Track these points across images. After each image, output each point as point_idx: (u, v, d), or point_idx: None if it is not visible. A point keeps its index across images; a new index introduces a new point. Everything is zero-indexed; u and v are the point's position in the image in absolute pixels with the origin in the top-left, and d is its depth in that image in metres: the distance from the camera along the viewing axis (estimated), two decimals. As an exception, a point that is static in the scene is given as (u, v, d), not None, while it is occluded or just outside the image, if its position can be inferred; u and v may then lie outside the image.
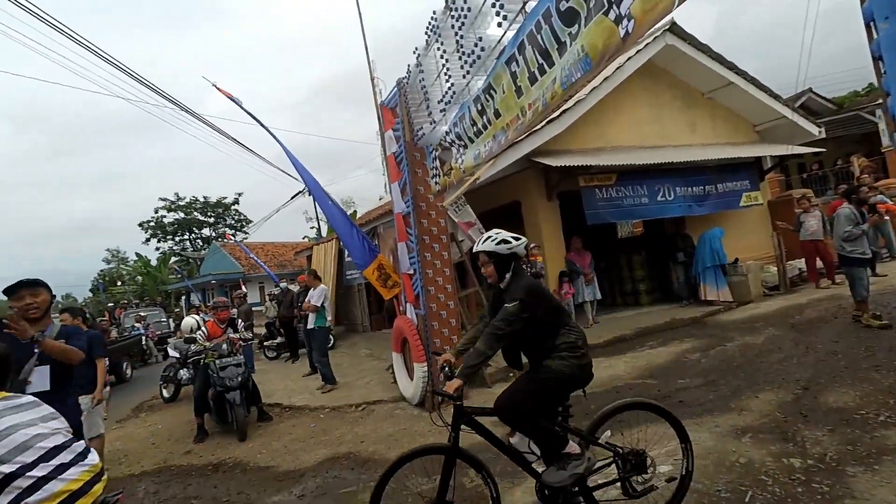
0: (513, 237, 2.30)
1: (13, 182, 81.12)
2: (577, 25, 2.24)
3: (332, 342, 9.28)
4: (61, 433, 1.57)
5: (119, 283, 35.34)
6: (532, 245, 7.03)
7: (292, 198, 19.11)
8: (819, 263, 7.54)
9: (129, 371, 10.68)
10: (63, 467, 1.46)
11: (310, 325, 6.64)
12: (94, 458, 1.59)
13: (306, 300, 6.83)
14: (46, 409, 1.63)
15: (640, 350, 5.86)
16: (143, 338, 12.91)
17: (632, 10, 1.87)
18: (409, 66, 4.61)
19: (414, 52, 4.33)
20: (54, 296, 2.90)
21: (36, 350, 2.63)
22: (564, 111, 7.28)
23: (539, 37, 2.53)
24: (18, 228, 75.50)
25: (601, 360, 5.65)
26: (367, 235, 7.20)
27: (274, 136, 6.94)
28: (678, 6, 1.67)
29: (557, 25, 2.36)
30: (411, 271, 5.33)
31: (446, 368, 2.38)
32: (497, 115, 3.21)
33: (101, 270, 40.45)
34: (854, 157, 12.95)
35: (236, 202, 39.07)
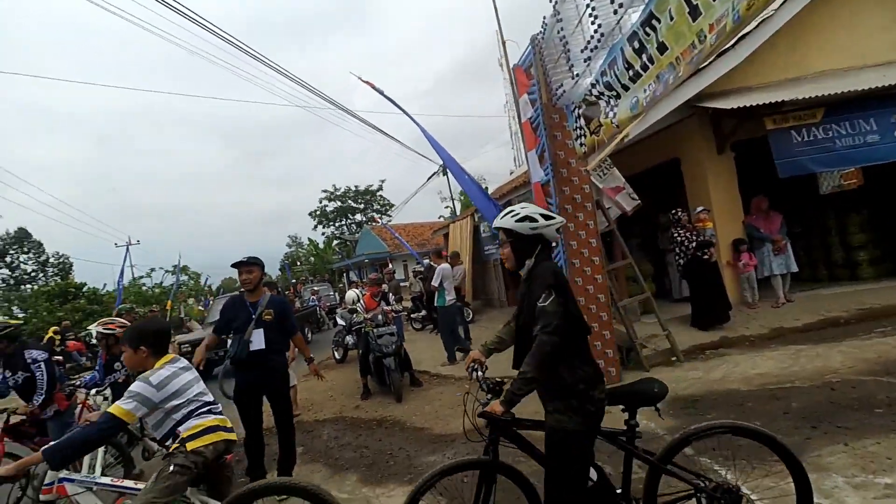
0: (542, 215, 1.81)
1: (223, 183, 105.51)
2: None
3: (470, 316, 9.55)
4: (207, 392, 2.21)
5: (298, 264, 42.89)
6: (699, 209, 5.94)
7: (428, 179, 20.13)
8: None
9: (309, 335, 12.91)
10: (209, 412, 2.13)
11: (435, 304, 6.98)
12: (219, 408, 2.21)
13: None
14: (195, 373, 2.23)
15: (865, 337, 4.47)
16: (317, 308, 15.38)
17: None
18: (544, 18, 4.18)
19: (551, 1, 3.88)
20: (265, 273, 3.56)
21: (254, 317, 3.26)
22: (742, 37, 5.81)
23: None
24: (228, 220, 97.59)
25: (803, 347, 4.50)
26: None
27: (411, 118, 7.24)
28: None
29: None
30: (553, 243, 5.00)
31: (479, 372, 2.01)
32: (662, 49, 2.62)
33: (286, 253, 49.63)
34: None
35: (380, 188, 43.34)
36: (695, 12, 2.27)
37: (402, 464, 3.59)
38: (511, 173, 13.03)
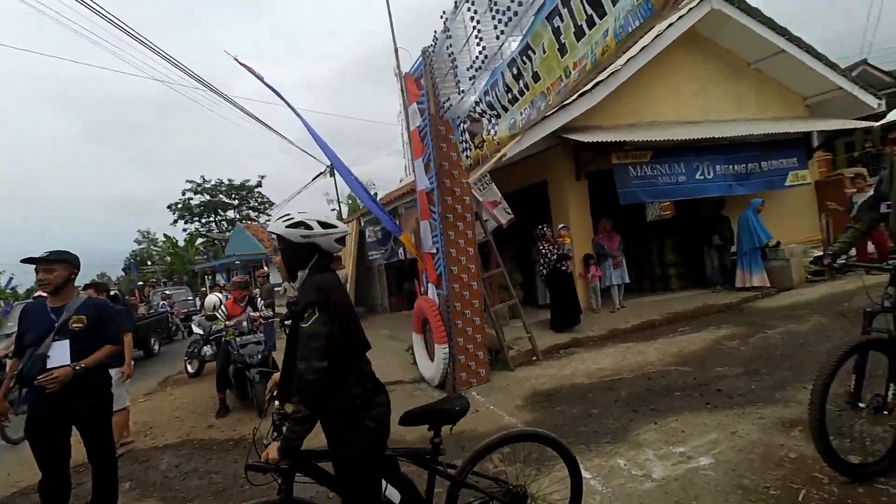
0: (321, 223, 1.67)
1: (58, 162, 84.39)
2: (635, -35, 1.95)
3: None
4: None
5: (149, 263, 36.54)
6: (561, 226, 6.76)
7: (314, 179, 19.14)
8: (870, 248, 7.01)
9: (156, 346, 11.03)
10: None
11: None
12: None
13: None
14: None
15: (672, 336, 5.59)
16: (169, 315, 13.27)
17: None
18: (435, 32, 4.35)
19: (441, 17, 4.05)
20: (77, 270, 2.83)
21: (56, 324, 2.59)
22: (597, 84, 6.86)
23: (588, -17, 2.24)
24: (59, 207, 78.50)
25: (630, 344, 5.43)
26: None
27: (296, 112, 6.79)
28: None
29: (612, -34, 2.08)
30: (434, 250, 5.17)
31: (277, 402, 1.77)
32: (536, 78, 2.94)
33: (133, 251, 41.88)
34: None
35: (259, 185, 39.57)
36: (563, 50, 2.61)
37: (259, 487, 3.26)
38: (401, 181, 13.17)
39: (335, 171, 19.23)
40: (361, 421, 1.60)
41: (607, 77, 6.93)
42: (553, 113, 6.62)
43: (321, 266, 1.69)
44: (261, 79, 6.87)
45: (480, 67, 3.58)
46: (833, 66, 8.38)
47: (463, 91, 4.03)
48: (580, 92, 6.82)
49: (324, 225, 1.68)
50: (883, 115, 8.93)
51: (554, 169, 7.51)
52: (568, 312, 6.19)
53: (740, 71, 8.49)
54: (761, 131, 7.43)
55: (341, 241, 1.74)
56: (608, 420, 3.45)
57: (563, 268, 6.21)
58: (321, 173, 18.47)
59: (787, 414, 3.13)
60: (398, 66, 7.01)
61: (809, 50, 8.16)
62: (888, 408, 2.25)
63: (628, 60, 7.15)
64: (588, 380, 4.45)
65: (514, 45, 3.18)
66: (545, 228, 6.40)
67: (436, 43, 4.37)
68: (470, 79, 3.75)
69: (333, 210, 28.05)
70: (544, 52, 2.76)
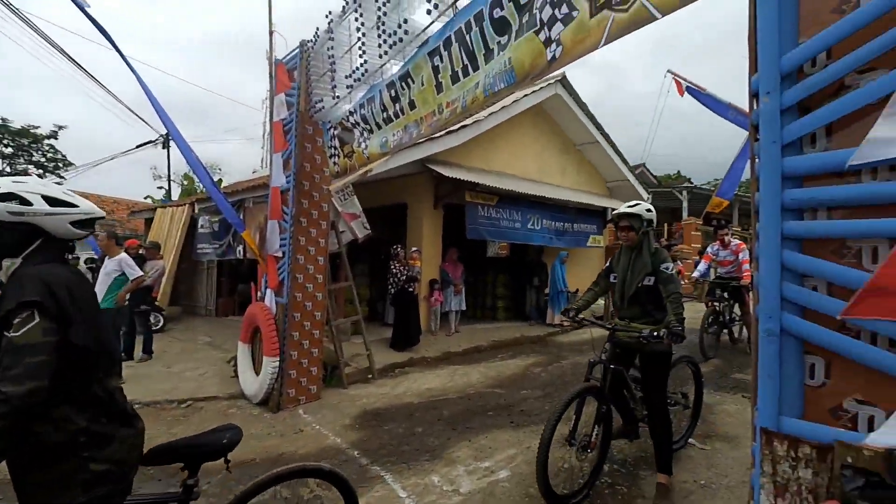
0: (48, 197, 1.28)
1: None
2: (507, 36, 2.31)
3: (160, 323, 7.79)
4: None
5: None
6: (414, 249, 7.05)
7: (139, 146, 15.78)
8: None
9: None
10: None
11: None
12: None
13: None
14: None
15: (493, 361, 6.31)
16: None
17: (562, 36, 2.00)
18: (317, 29, 4.23)
19: (326, 17, 3.98)
20: None
21: None
22: (463, 127, 7.58)
23: (468, 37, 2.54)
24: None
25: (458, 367, 5.91)
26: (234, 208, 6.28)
27: (126, 61, 5.58)
28: (604, 46, 1.85)
29: (488, 31, 2.41)
30: (279, 254, 4.80)
31: None
32: (412, 105, 3.11)
33: None
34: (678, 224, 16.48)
35: (54, 136, 30.36)
36: (439, 87, 2.84)
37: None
38: (254, 172, 11.88)
39: (170, 143, 16.24)
40: (83, 465, 1.19)
41: (471, 123, 7.74)
42: (422, 142, 7.04)
43: (48, 255, 1.28)
44: (81, 7, 5.48)
45: (360, 79, 3.62)
46: (625, 162, 11.08)
47: (338, 97, 3.98)
48: (448, 129, 7.45)
49: (53, 201, 1.27)
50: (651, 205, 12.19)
51: (415, 194, 7.88)
52: (409, 332, 6.42)
53: (568, 148, 10.52)
54: (577, 199, 9.30)
55: (84, 224, 1.33)
56: (429, 438, 3.66)
57: (411, 289, 6.46)
58: (151, 142, 15.36)
59: (566, 430, 3.82)
60: (271, 50, 6.50)
61: (613, 146, 10.65)
62: (591, 446, 2.67)
63: (490, 114, 8.14)
64: (417, 399, 4.65)
65: (395, 68, 3.33)
66: (399, 249, 6.60)
67: (317, 40, 4.24)
68: (347, 87, 3.74)
69: (161, 188, 23.41)
70: (423, 84, 2.97)
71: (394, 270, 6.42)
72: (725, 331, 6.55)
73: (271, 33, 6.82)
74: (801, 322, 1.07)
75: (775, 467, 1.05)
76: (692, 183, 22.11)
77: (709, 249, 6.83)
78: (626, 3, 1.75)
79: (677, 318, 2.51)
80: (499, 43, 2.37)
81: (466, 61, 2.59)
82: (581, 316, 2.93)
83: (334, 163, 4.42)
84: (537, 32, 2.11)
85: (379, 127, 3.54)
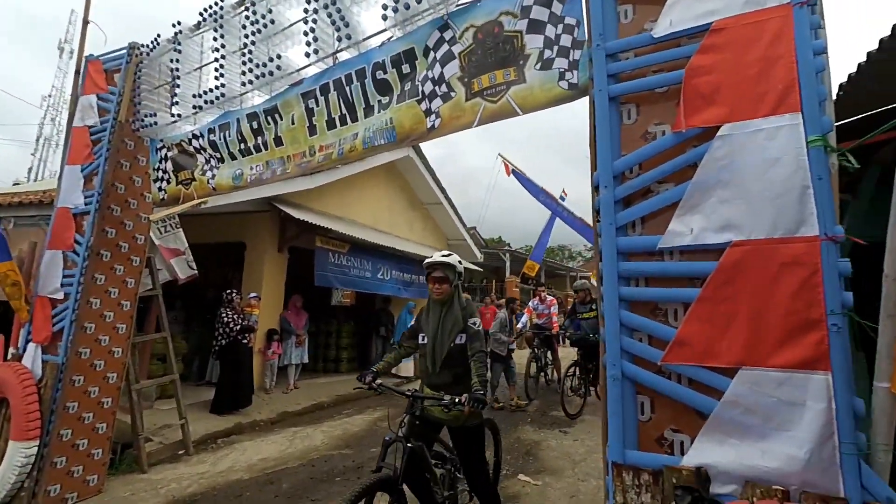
0: None
1: None
2: (388, 97, 2.44)
3: None
4: None
5: None
6: (252, 295, 6.26)
7: None
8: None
9: None
10: None
11: None
12: None
13: None
14: None
15: (338, 418, 5.87)
16: None
17: (441, 110, 2.22)
18: (157, 36, 3.70)
19: (174, 27, 3.53)
20: None
21: None
22: (318, 170, 7.40)
23: (348, 89, 2.58)
24: None
25: (299, 429, 5.29)
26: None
27: None
28: (477, 126, 2.12)
29: (370, 89, 2.50)
30: (59, 296, 3.66)
31: None
32: (279, 142, 2.91)
33: None
34: (509, 279, 18.76)
35: None
36: (312, 130, 2.76)
37: None
38: (15, 183, 8.94)
39: None
40: None
41: (328, 169, 7.63)
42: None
43: None
44: None
45: (212, 102, 3.23)
46: (464, 224, 12.43)
47: (178, 115, 3.45)
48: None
49: None
50: (480, 263, 13.77)
51: (256, 234, 7.12)
52: (238, 392, 5.49)
53: (416, 205, 11.27)
54: (422, 253, 9.88)
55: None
56: (265, 519, 3.11)
57: (245, 340, 5.63)
58: None
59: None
60: (82, 43, 5.30)
61: (454, 209, 11.88)
62: None
63: (347, 164, 8.21)
64: (248, 475, 3.93)
65: (258, 99, 3.11)
66: (234, 294, 5.76)
67: (155, 47, 3.69)
68: (194, 107, 3.29)
69: None
70: (293, 122, 2.84)
71: (226, 319, 5.52)
72: (543, 374, 7.62)
73: (86, 23, 5.60)
74: (634, 368, 1.35)
75: (625, 496, 1.25)
76: (511, 247, 26.17)
77: (530, 304, 8.02)
78: (496, 97, 2.08)
79: (480, 380, 2.18)
80: (380, 101, 2.48)
81: (345, 111, 2.61)
82: (379, 381, 2.40)
83: (160, 188, 3.71)
84: (419, 102, 2.30)
85: (233, 157, 3.17)
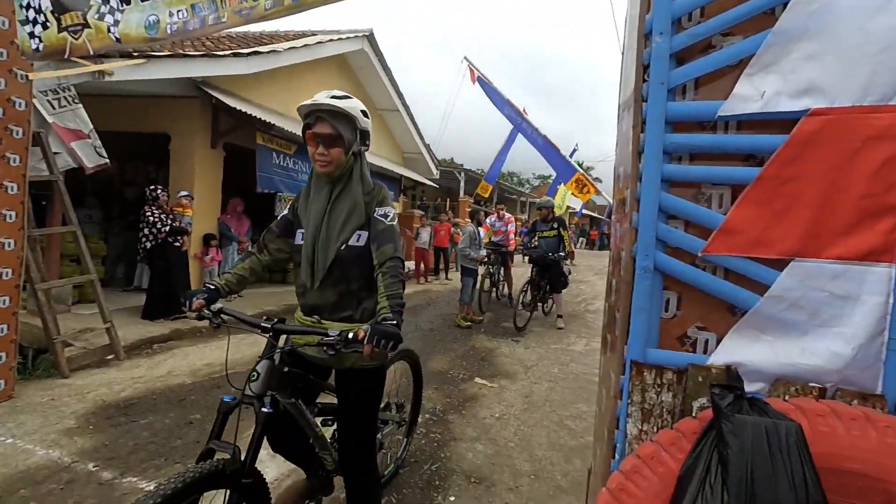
0: None
1: None
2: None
3: None
4: None
5: None
6: (183, 193, 5.50)
7: None
8: (422, 266, 10.03)
9: None
10: None
11: None
12: None
13: None
14: None
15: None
16: None
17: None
18: None
19: None
20: None
21: None
22: (255, 53, 6.27)
23: None
24: None
25: (244, 336, 4.99)
26: None
27: None
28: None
29: None
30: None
31: None
32: (203, -27, 2.18)
33: None
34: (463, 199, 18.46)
35: None
36: (250, -42, 2.07)
37: None
38: None
39: None
40: None
41: (267, 52, 6.48)
42: (197, 56, 5.43)
43: None
44: None
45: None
46: (421, 136, 11.67)
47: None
48: (233, 52, 6.00)
49: None
50: (436, 180, 13.41)
51: (184, 124, 6.08)
52: (173, 297, 5.00)
53: (371, 110, 10.22)
54: (378, 164, 9.19)
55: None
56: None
57: (178, 243, 5.01)
58: None
59: None
60: None
61: (412, 118, 11.00)
62: None
63: (290, 48, 7.01)
64: (191, 379, 3.66)
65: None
66: (159, 191, 4.98)
67: None
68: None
69: None
70: (225, -52, 2.12)
71: (151, 219, 4.81)
72: (495, 289, 7.79)
73: None
74: (668, 258, 1.15)
75: (644, 395, 1.12)
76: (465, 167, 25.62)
77: (487, 220, 7.90)
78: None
79: (393, 303, 1.38)
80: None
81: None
82: (219, 306, 1.52)
83: (31, 34, 2.81)
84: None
85: (143, -4, 2.38)
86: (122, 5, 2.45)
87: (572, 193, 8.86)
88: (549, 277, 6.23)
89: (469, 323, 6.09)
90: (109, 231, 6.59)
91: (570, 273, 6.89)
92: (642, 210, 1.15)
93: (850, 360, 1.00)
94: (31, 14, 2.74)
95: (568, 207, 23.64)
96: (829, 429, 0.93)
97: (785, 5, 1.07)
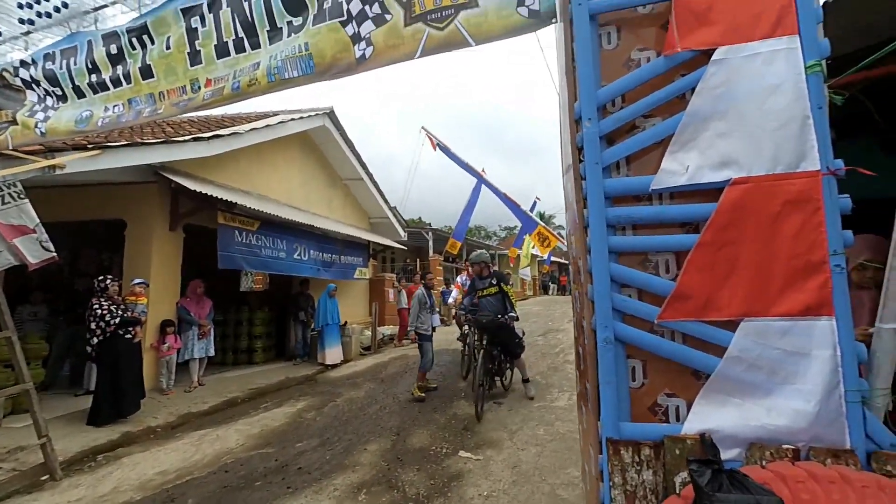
0: None
1: None
2: (302, 18, 1.95)
3: None
4: None
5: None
6: (137, 281, 5.24)
7: None
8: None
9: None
10: None
11: None
12: None
13: None
14: None
15: (255, 414, 5.23)
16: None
17: (373, 36, 1.81)
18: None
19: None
20: None
21: None
22: (216, 136, 6.38)
23: (245, 5, 2.03)
24: None
25: (207, 431, 4.58)
26: None
27: None
28: (420, 57, 1.76)
29: (276, 6, 1.98)
30: None
31: None
32: (147, 73, 2.24)
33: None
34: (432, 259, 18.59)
35: None
36: (195, 58, 2.15)
37: None
38: None
39: None
40: None
41: (228, 134, 6.62)
42: (155, 143, 5.46)
43: None
44: None
45: (48, 14, 2.41)
46: (387, 201, 11.92)
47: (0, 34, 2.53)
48: (194, 136, 6.09)
49: None
50: (404, 242, 13.53)
51: (141, 210, 5.95)
52: (121, 396, 4.57)
53: (335, 181, 10.48)
54: (344, 231, 9.24)
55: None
56: (165, 546, 2.55)
57: (129, 335, 4.67)
58: None
59: (355, 479, 3.42)
60: None
61: (376, 185, 11.29)
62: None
63: (252, 129, 7.20)
64: (140, 494, 3.24)
65: (122, 16, 2.38)
66: (108, 282, 4.72)
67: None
68: (22, 22, 2.42)
69: None
70: (167, 47, 2.19)
71: (99, 312, 4.50)
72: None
73: None
74: (626, 328, 1.16)
75: (625, 476, 1.07)
76: (432, 226, 26.09)
77: (458, 279, 7.93)
78: (442, 23, 1.74)
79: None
80: (290, 23, 1.97)
81: (242, 34, 2.06)
82: None
83: None
84: (343, 24, 1.86)
85: (80, 94, 2.40)
86: (58, 103, 2.46)
87: (534, 247, 9.11)
88: (502, 343, 5.09)
89: (423, 394, 5.41)
90: (57, 327, 6.11)
91: (523, 334, 5.69)
92: (595, 282, 1.17)
93: (814, 416, 1.01)
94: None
95: (535, 256, 24.25)
96: (810, 496, 0.90)
97: (693, 90, 1.19)
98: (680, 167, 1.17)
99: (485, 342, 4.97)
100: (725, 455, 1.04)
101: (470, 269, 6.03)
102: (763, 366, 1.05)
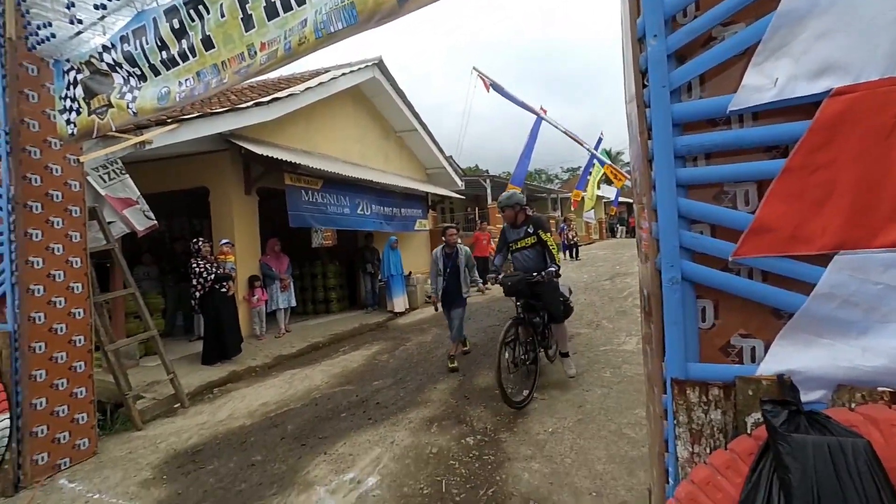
0: None
1: None
2: (344, -35, 1.88)
3: None
4: None
5: None
6: (224, 241, 5.82)
7: None
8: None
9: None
10: None
11: None
12: None
13: None
14: None
15: (335, 357, 5.80)
16: None
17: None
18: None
19: None
20: None
21: None
22: (275, 100, 6.59)
23: (290, -40, 1.99)
24: None
25: (296, 370, 5.19)
26: None
27: None
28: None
29: (319, -45, 1.93)
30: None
31: None
32: (208, 44, 2.33)
33: None
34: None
35: None
36: (248, 22, 2.19)
37: None
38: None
39: None
40: None
41: (285, 96, 6.79)
42: (223, 112, 5.79)
43: None
44: None
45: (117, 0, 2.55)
46: (441, 151, 11.75)
47: (81, 23, 2.75)
48: (255, 101, 6.34)
49: None
50: (462, 191, 13.42)
51: (219, 176, 6.48)
52: (225, 342, 5.28)
53: (389, 134, 10.47)
54: (403, 184, 9.35)
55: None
56: (274, 464, 3.02)
57: (224, 289, 5.30)
58: None
59: (427, 413, 3.72)
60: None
61: (431, 135, 11.11)
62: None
63: (307, 89, 7.32)
64: (250, 420, 3.83)
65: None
66: (201, 243, 5.31)
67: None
68: (97, 7, 2.59)
69: None
70: (222, 15, 2.25)
71: (198, 270, 5.14)
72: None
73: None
74: (696, 267, 1.09)
75: (690, 415, 1.05)
76: (490, 174, 25.33)
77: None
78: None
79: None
80: (333, -29, 1.92)
81: (289, -9, 2.04)
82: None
83: (68, 121, 3.08)
84: (384, -37, 1.77)
85: (156, 72, 2.57)
86: (139, 83, 2.66)
87: (605, 175, 8.62)
88: (543, 305, 4.03)
89: (455, 364, 4.76)
90: (166, 284, 7.08)
91: (570, 293, 4.62)
92: (661, 219, 1.10)
93: (922, 357, 0.90)
94: (68, 103, 3.03)
95: (601, 198, 22.88)
96: (907, 440, 0.83)
97: (786, -17, 0.99)
98: (767, 80, 1.00)
99: (519, 311, 3.95)
100: (807, 397, 0.98)
101: (500, 213, 4.30)
102: (860, 302, 0.94)
